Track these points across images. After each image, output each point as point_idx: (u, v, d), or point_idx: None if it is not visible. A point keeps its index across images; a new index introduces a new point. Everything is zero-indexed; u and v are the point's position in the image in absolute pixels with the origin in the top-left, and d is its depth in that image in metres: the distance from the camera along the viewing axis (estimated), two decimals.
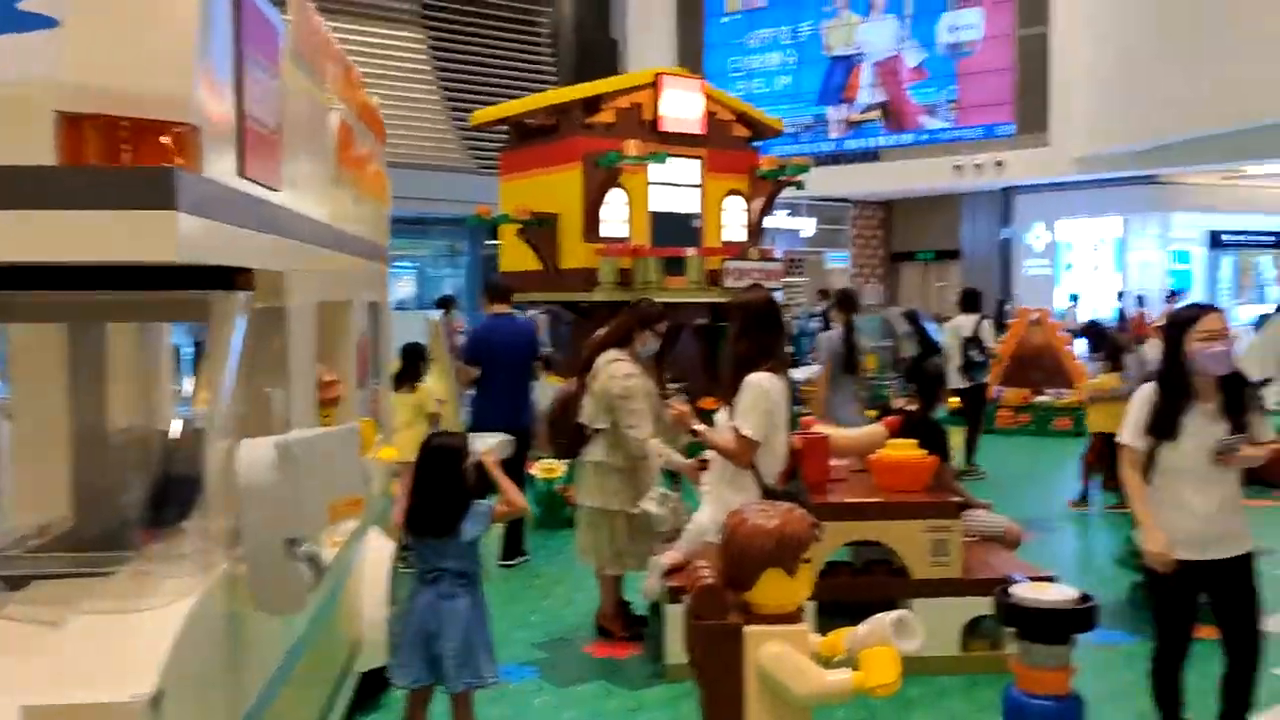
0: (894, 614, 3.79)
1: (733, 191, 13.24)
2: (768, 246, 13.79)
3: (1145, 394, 4.09)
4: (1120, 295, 19.63)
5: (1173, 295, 19.84)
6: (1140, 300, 19.43)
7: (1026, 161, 19.82)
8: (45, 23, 2.23)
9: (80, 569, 2.59)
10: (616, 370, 5.57)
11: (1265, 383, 12.58)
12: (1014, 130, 20.32)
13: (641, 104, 12.47)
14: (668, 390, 5.32)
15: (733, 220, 13.30)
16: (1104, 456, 8.76)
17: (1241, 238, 23.33)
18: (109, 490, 3.51)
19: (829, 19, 22.42)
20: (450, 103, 20.88)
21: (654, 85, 12.58)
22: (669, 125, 12.52)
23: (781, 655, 3.74)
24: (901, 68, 21.67)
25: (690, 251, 12.25)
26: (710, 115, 12.94)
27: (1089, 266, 21.50)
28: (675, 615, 5.09)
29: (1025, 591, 4.01)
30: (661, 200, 12.68)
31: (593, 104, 12.44)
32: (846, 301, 8.94)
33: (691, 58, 22.24)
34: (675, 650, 5.11)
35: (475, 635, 3.79)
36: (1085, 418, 9.41)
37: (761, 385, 4.09)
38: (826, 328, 14.87)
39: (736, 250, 12.81)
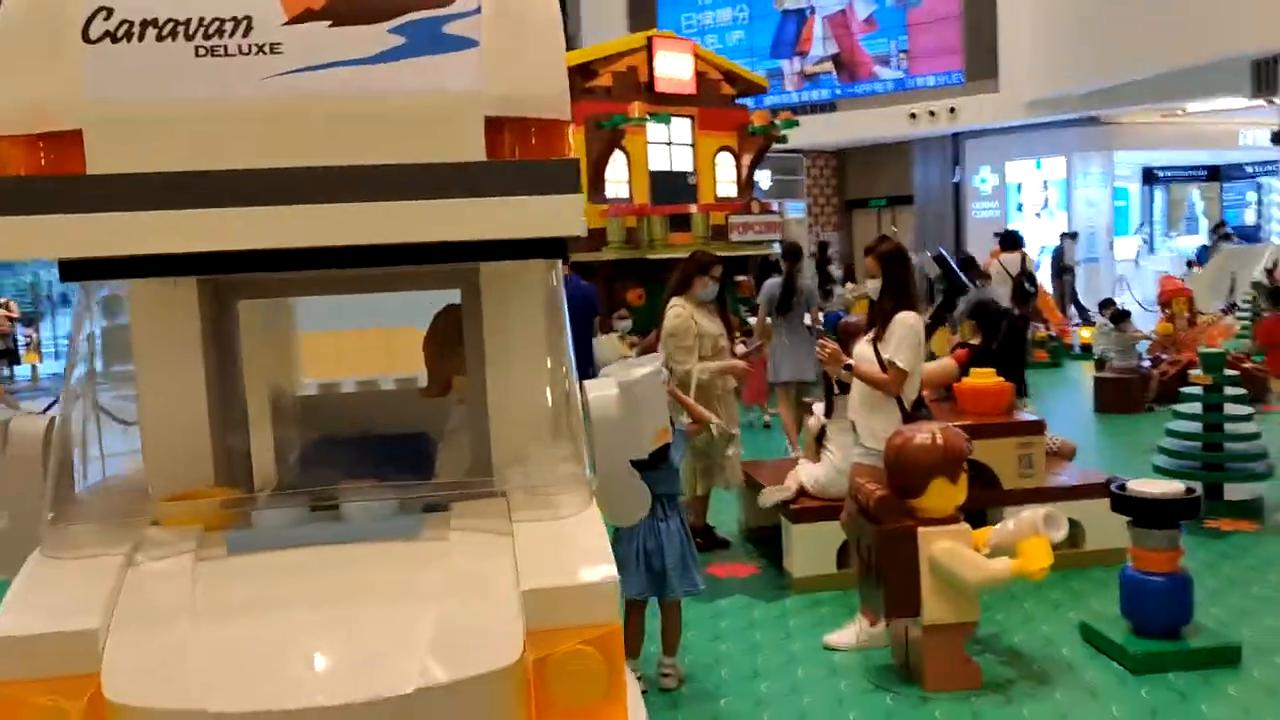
0: (1042, 509, 4.48)
1: (723, 148, 13.79)
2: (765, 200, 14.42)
3: None
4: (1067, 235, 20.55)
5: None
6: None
7: (978, 107, 20.62)
8: (468, 44, 2.71)
9: (459, 494, 3.07)
10: (669, 313, 6.23)
11: (1231, 308, 13.59)
12: (963, 79, 21.10)
13: (636, 67, 12.92)
14: (737, 334, 6.01)
15: (724, 176, 13.89)
16: None
17: (1172, 172, 24.53)
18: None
19: None
20: None
21: (647, 48, 13.04)
22: (663, 86, 13.00)
23: (953, 550, 4.42)
24: (852, 20, 22.29)
25: (693, 208, 12.79)
26: (699, 75, 13.43)
27: (1036, 206, 22.46)
28: (799, 534, 5.73)
29: (1137, 485, 4.72)
30: (658, 160, 13.20)
31: (585, 68, 12.86)
32: (791, 252, 9.56)
33: (645, 15, 22.58)
34: (800, 565, 5.74)
35: (687, 550, 4.37)
36: None
37: (909, 322, 4.71)
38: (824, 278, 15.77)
39: (730, 206, 13.39)
